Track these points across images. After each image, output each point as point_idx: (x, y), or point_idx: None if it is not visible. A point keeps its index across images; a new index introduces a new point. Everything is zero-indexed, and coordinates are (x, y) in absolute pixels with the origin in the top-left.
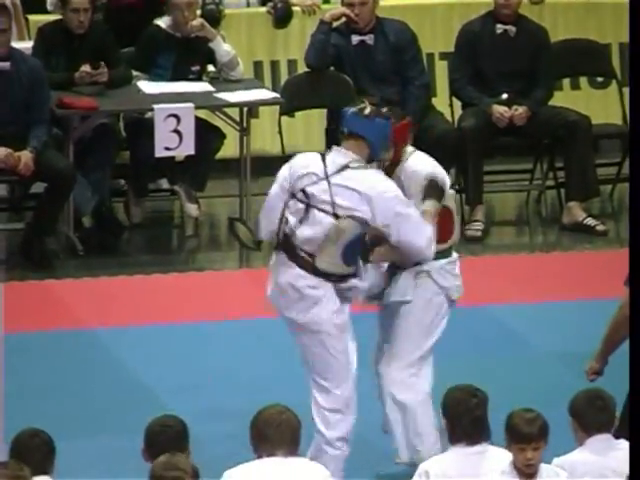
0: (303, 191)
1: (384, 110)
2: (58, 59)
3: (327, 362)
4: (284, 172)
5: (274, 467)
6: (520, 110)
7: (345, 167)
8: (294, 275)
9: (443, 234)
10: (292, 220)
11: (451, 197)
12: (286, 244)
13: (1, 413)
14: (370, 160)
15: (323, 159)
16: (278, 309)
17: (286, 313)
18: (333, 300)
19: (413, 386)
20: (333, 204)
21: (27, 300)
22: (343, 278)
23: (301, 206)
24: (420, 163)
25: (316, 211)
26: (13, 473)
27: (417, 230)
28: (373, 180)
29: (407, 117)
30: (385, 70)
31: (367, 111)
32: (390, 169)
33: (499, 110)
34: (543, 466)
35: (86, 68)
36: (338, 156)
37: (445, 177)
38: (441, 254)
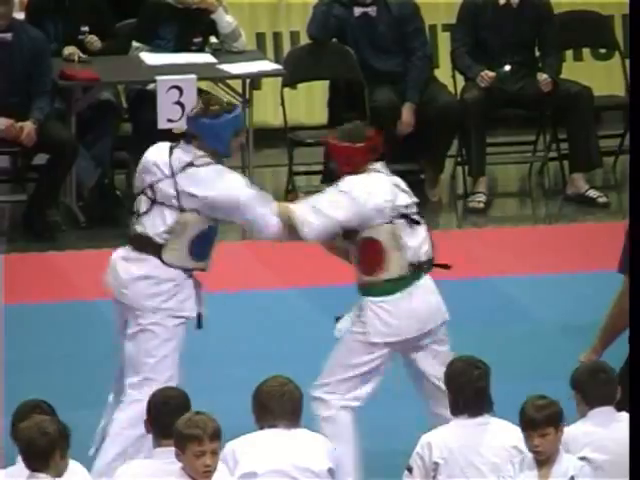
0: (151, 186)
1: (215, 107)
2: (54, 24)
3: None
4: (139, 166)
5: (276, 438)
6: (545, 76)
7: (190, 164)
8: (143, 266)
9: (368, 267)
10: (141, 213)
11: (385, 230)
12: (135, 236)
13: (1, 386)
14: (217, 156)
15: (171, 154)
16: (119, 296)
17: (123, 299)
18: (184, 292)
19: (327, 402)
20: (178, 199)
21: (29, 271)
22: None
23: (148, 200)
24: (353, 179)
25: (162, 206)
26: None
27: (262, 218)
28: (214, 177)
29: (370, 137)
30: (387, 42)
31: (194, 111)
32: None
33: (487, 73)
34: (565, 456)
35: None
36: (184, 153)
37: (376, 207)
38: (369, 290)
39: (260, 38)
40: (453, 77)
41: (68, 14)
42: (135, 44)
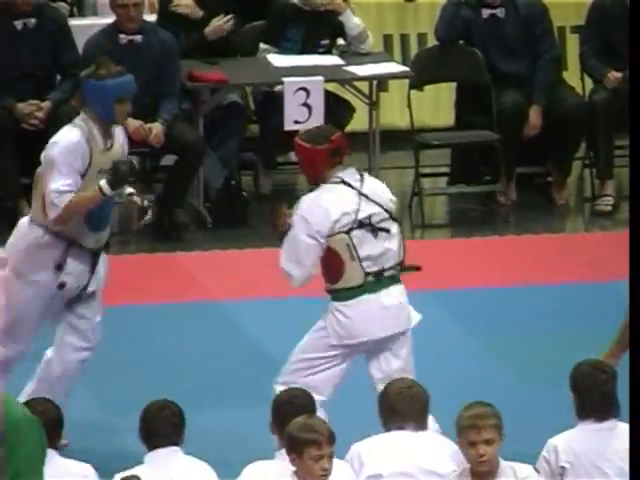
0: None
1: (102, 71)
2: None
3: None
4: None
5: (401, 440)
6: None
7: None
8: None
9: (327, 274)
10: None
11: (340, 240)
12: None
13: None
14: (98, 120)
15: None
16: None
17: None
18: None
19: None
20: None
21: (156, 272)
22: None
23: None
24: (310, 197)
25: None
26: None
27: (47, 185)
28: (61, 131)
29: (326, 142)
30: (515, 43)
31: (84, 73)
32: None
33: (613, 74)
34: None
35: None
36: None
37: (321, 222)
38: (332, 294)
39: (387, 40)
40: (582, 79)
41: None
42: (263, 46)
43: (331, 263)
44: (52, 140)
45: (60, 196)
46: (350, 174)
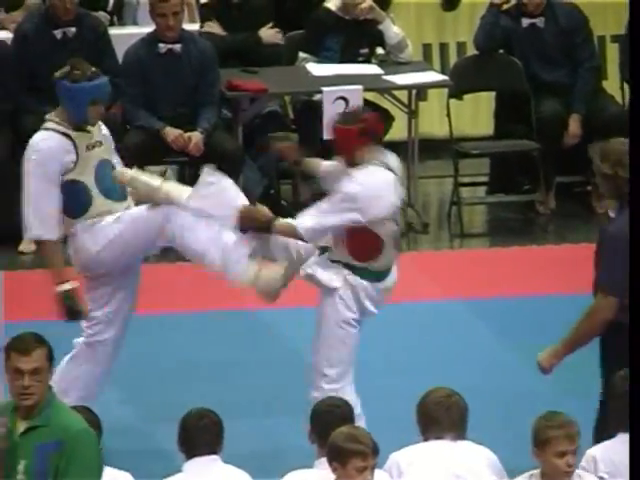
0: None
1: (77, 72)
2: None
3: None
4: None
5: (440, 449)
6: None
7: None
8: None
9: (360, 253)
10: None
11: (389, 227)
12: None
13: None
14: (72, 122)
15: None
16: None
17: None
18: None
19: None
20: None
21: (193, 280)
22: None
23: None
24: (356, 179)
25: None
26: None
27: (25, 203)
28: (34, 138)
29: (356, 122)
30: (555, 53)
31: (58, 73)
32: (344, 170)
33: None
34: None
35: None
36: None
37: (379, 206)
38: (357, 270)
39: (427, 49)
40: (621, 88)
41: (236, 20)
42: (302, 55)
43: (370, 245)
44: (28, 151)
45: (42, 229)
46: (382, 157)
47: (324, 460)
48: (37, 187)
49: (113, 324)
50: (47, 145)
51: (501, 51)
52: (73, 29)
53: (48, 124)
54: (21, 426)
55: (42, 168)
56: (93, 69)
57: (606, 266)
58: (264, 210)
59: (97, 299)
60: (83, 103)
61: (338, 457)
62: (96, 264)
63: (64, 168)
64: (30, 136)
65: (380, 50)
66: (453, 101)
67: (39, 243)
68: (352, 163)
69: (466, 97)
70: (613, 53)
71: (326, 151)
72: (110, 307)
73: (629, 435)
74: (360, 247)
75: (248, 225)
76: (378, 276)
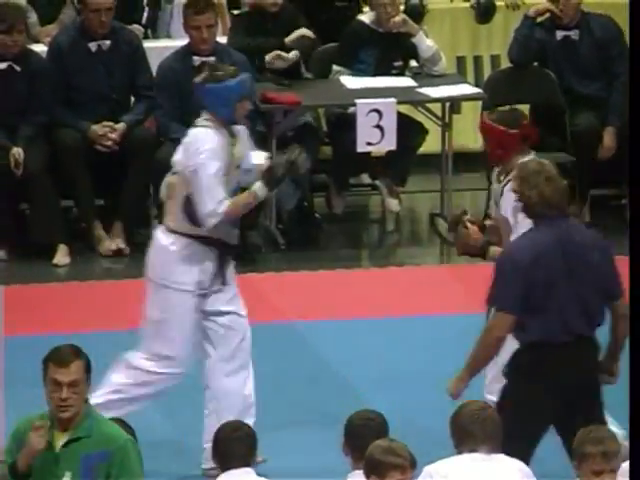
0: None
1: (219, 73)
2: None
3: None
4: None
5: (473, 463)
6: None
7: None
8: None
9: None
10: None
11: None
12: None
13: (2, 404)
14: (223, 123)
15: None
16: None
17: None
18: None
19: None
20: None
21: None
22: (201, 238)
23: None
24: None
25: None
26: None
27: (201, 193)
28: (195, 134)
29: (518, 127)
30: (590, 65)
31: (201, 78)
32: (504, 174)
33: None
34: None
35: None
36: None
37: None
38: None
39: (460, 62)
40: None
41: (270, 33)
42: (336, 68)
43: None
44: (192, 146)
45: (219, 204)
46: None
47: (358, 473)
48: (214, 174)
49: None
50: (213, 137)
51: (535, 64)
52: (108, 42)
53: (202, 122)
54: (61, 438)
55: (215, 158)
56: (232, 67)
57: (494, 284)
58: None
59: None
60: (231, 101)
61: (376, 470)
62: None
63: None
64: (66, 149)
65: (414, 63)
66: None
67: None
68: (499, 165)
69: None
70: None
71: (359, 163)
72: None
73: (629, 435)
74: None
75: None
76: None
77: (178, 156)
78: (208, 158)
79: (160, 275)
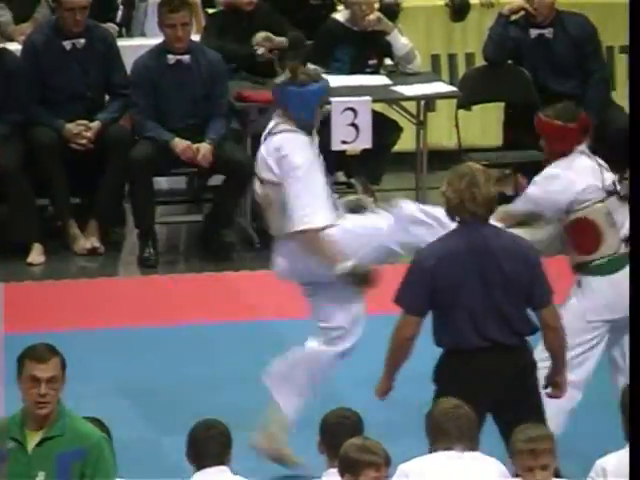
0: None
1: (302, 76)
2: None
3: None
4: None
5: (448, 461)
6: None
7: (268, 134)
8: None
9: (583, 246)
10: None
11: (598, 210)
12: None
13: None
14: (301, 126)
15: None
16: None
17: None
18: None
19: None
20: (259, 172)
21: (204, 291)
22: None
23: None
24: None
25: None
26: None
27: (297, 197)
28: (281, 140)
29: (576, 120)
30: (564, 64)
31: (277, 81)
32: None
33: None
34: None
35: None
36: (270, 125)
37: (579, 192)
38: (580, 267)
39: (435, 60)
40: None
41: (246, 31)
42: (311, 66)
43: (587, 234)
44: (286, 151)
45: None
46: (585, 148)
47: (333, 471)
48: (317, 180)
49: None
50: (302, 141)
51: (510, 62)
52: (82, 40)
53: (283, 126)
54: (34, 437)
55: (311, 163)
56: (313, 70)
57: (401, 284)
58: None
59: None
60: (313, 105)
61: (351, 468)
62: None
63: None
64: (41, 147)
65: (388, 61)
66: (462, 112)
67: (311, 232)
68: (558, 158)
69: (475, 108)
70: (622, 64)
71: (334, 161)
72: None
73: (629, 434)
74: (577, 238)
75: None
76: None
77: (270, 162)
78: (306, 161)
79: None
